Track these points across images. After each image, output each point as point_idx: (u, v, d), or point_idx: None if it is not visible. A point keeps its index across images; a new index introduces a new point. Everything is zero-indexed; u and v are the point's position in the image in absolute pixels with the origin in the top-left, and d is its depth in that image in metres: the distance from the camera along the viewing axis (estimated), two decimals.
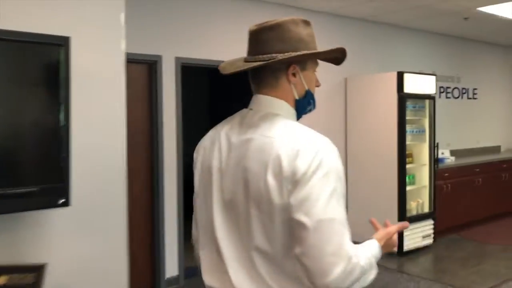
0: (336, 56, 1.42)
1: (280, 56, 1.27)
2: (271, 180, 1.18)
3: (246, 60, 1.34)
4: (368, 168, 5.62)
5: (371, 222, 1.47)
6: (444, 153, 6.77)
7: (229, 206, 1.29)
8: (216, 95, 7.68)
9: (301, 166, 1.16)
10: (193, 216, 1.46)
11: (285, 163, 1.17)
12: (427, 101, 5.71)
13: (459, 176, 6.34)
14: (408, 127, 5.52)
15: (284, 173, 1.17)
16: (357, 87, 5.75)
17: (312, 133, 1.24)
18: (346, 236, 1.17)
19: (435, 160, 5.79)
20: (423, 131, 5.74)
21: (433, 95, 5.70)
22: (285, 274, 1.21)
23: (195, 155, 1.45)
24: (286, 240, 1.19)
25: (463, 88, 7.53)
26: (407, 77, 5.29)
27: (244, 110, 1.37)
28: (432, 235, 5.67)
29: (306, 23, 1.35)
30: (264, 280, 1.22)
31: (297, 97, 1.34)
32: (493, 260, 5.14)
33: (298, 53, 1.28)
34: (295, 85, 1.33)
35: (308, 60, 1.34)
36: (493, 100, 8.17)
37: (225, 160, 1.31)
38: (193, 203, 1.45)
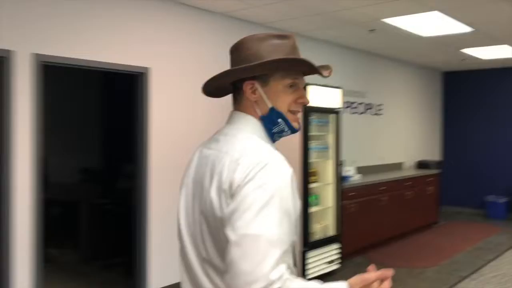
0: (303, 69, 1.32)
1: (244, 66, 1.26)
2: (213, 194, 1.18)
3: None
4: None
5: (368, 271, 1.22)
6: (349, 170, 6.47)
7: (191, 222, 1.29)
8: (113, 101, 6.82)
9: (237, 177, 1.13)
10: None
11: (224, 176, 1.16)
12: (331, 116, 5.33)
13: (365, 195, 6.03)
14: (312, 143, 5.09)
15: (223, 186, 1.15)
16: None
17: (263, 148, 1.21)
18: (272, 256, 1.07)
19: (340, 179, 5.40)
20: (328, 147, 5.34)
21: (338, 110, 5.34)
22: None
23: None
24: None
25: (368, 104, 7.35)
26: (312, 89, 4.86)
27: (222, 127, 1.35)
28: (339, 260, 5.27)
29: (279, 36, 1.31)
30: None
31: (259, 114, 1.30)
32: (401, 285, 4.87)
33: (239, 67, 1.26)
34: (257, 102, 1.29)
35: (269, 74, 1.27)
36: (397, 116, 8.12)
37: (192, 177, 1.31)
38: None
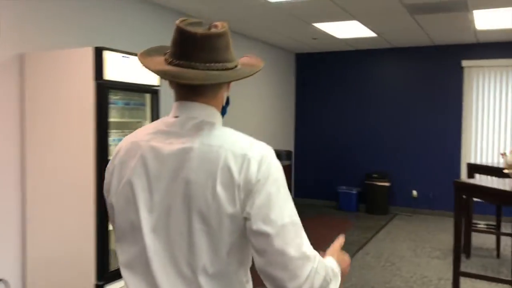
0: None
1: (229, 65, 1.23)
2: (220, 190, 1.13)
3: (192, 67, 1.19)
4: (53, 197, 3.59)
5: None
6: None
7: (162, 227, 1.18)
8: None
9: (253, 174, 1.14)
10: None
11: (236, 173, 1.14)
12: (148, 96, 3.99)
13: None
14: (118, 134, 3.71)
15: (235, 182, 1.13)
16: (40, 70, 3.66)
17: (251, 139, 1.23)
18: (304, 236, 1.18)
19: None
20: None
21: (157, 87, 4.01)
22: None
23: (106, 174, 1.32)
24: (235, 253, 1.17)
25: None
26: (110, 57, 3.45)
27: (166, 119, 1.27)
28: None
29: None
30: None
31: (223, 104, 1.32)
32: None
33: (257, 70, 1.29)
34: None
35: None
36: (247, 102, 7.08)
37: (154, 175, 1.19)
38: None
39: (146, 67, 1.27)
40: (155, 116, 3.99)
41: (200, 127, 1.21)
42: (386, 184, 8.00)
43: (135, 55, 3.72)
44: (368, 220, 7.61)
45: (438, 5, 5.18)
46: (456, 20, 5.93)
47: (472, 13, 5.54)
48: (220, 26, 1.22)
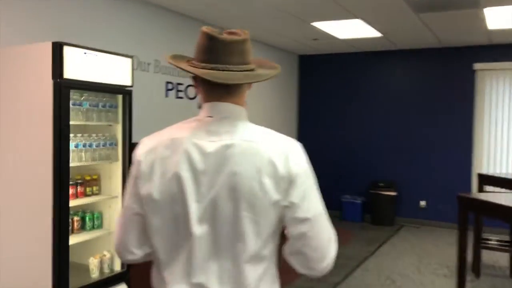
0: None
1: (252, 67, 1.38)
2: (267, 180, 1.27)
3: (228, 69, 1.32)
4: (5, 212, 3.26)
5: None
6: None
7: (209, 217, 1.29)
8: None
9: (293, 167, 1.29)
10: (138, 236, 1.40)
11: (279, 166, 1.28)
12: (120, 98, 3.66)
13: None
14: (85, 139, 3.39)
15: (279, 174, 1.28)
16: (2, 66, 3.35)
17: (282, 135, 1.38)
18: (330, 222, 1.38)
19: None
20: (115, 144, 3.67)
21: (130, 88, 3.68)
22: (273, 276, 1.37)
23: (141, 172, 1.35)
24: (273, 239, 1.33)
25: None
26: (72, 53, 3.12)
27: (202, 118, 1.37)
28: None
29: None
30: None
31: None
32: None
33: (278, 71, 1.49)
34: None
35: None
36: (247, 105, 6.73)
37: (199, 169, 1.30)
38: (131, 223, 1.40)
39: (186, 70, 1.35)
40: (127, 118, 3.66)
41: (236, 125, 1.35)
42: (393, 193, 7.56)
43: (104, 52, 3.40)
44: (373, 231, 7.17)
45: (445, 1, 4.77)
46: (466, 19, 5.50)
47: (483, 11, 5.11)
48: (243, 32, 1.37)
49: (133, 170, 1.39)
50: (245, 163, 1.27)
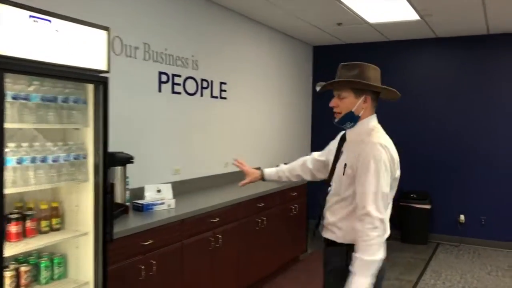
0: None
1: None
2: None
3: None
4: None
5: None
6: (161, 190, 3.74)
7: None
8: None
9: None
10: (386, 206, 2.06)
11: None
12: (91, 89, 2.51)
13: (171, 240, 3.30)
14: (41, 150, 2.25)
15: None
16: None
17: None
18: None
19: (108, 222, 2.57)
20: (82, 156, 2.52)
21: (105, 74, 2.53)
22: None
23: (392, 166, 2.08)
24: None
25: (203, 80, 4.67)
26: (9, 16, 1.98)
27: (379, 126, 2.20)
28: None
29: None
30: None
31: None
32: None
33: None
34: None
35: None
36: (251, 102, 5.59)
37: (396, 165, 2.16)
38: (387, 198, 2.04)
39: (383, 86, 2.16)
40: (102, 118, 2.51)
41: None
42: (427, 206, 6.44)
43: (64, 18, 2.25)
44: (405, 251, 6.04)
45: None
46: None
47: None
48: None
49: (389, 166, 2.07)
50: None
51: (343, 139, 2.25)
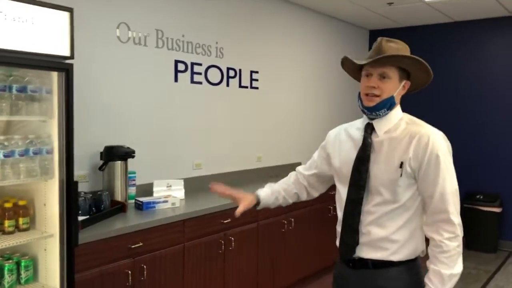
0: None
1: None
2: None
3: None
4: None
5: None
6: (171, 185, 3.50)
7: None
8: None
9: None
10: None
11: None
12: (55, 77, 2.28)
13: (168, 244, 2.99)
14: (4, 145, 2.07)
15: None
16: None
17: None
18: None
19: (73, 224, 2.33)
20: (48, 151, 2.31)
21: (69, 61, 2.29)
22: None
23: None
24: None
25: (229, 69, 4.35)
26: None
27: None
28: None
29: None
30: None
31: None
32: None
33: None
34: None
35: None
36: (286, 92, 5.17)
37: None
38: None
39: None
40: (65, 109, 2.27)
41: None
42: (496, 210, 5.64)
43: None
44: (467, 260, 5.30)
45: None
46: None
47: None
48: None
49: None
50: None
51: (367, 134, 1.78)
